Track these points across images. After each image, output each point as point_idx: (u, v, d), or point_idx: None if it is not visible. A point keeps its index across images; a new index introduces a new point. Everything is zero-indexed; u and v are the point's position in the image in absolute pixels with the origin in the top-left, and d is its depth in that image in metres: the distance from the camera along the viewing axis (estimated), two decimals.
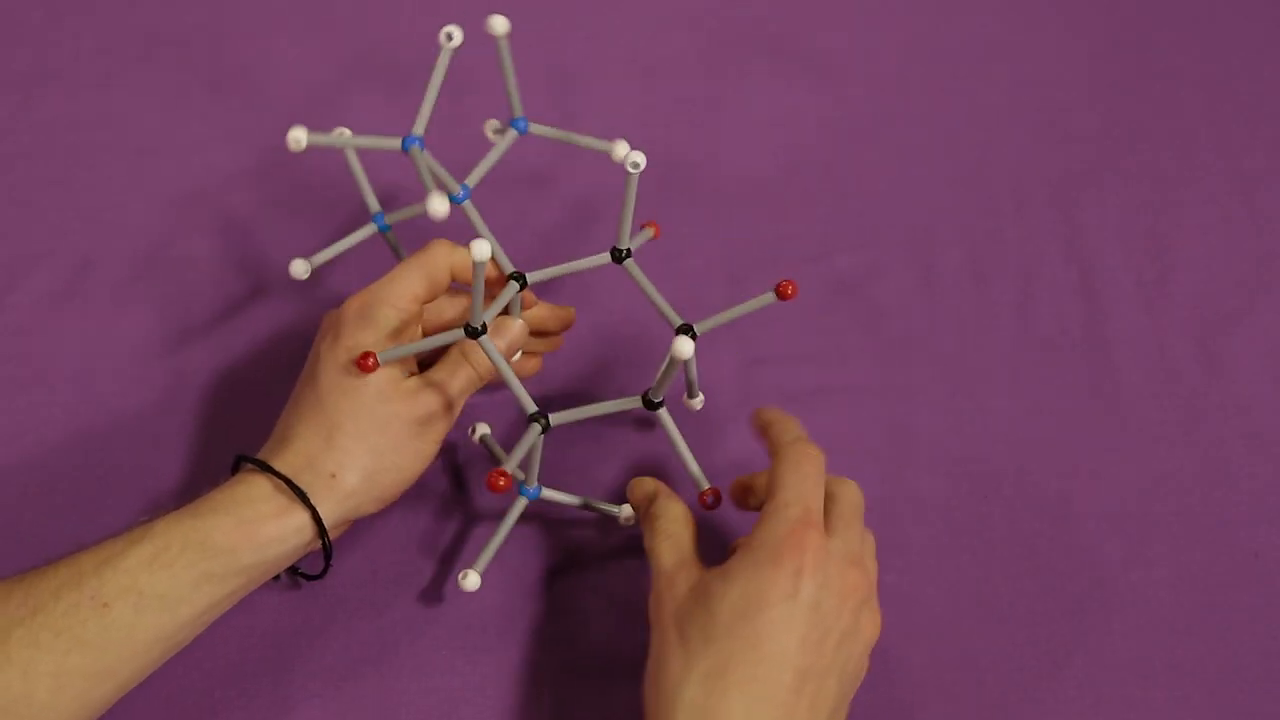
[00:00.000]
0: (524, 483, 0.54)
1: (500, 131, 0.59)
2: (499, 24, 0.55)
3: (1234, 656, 0.55)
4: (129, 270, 0.67)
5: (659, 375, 0.51)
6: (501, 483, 0.47)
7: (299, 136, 0.54)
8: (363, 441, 0.51)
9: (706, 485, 0.53)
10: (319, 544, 0.51)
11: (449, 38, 0.55)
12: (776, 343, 0.65)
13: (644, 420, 0.59)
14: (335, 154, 0.71)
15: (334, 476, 0.50)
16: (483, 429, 0.58)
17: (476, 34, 0.57)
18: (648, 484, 0.54)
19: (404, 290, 0.53)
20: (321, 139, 0.55)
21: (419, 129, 0.55)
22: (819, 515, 0.48)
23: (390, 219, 0.58)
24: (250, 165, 0.71)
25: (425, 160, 0.55)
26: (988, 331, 0.66)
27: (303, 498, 0.49)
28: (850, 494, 0.51)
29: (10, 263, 0.67)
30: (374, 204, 0.59)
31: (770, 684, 0.44)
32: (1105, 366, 0.64)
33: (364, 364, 0.50)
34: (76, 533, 0.57)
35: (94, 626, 0.46)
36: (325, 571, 0.53)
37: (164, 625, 0.47)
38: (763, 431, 0.53)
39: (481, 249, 0.46)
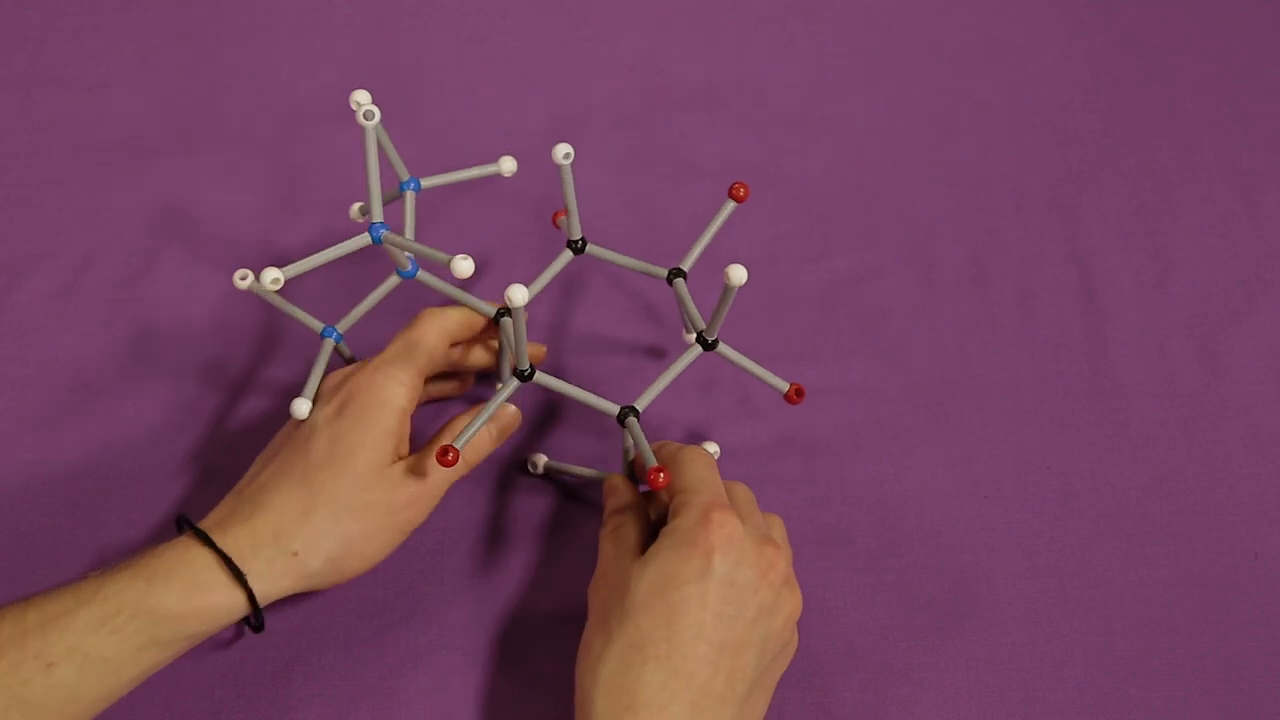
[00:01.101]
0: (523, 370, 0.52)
1: (365, 211, 0.59)
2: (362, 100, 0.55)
3: (1234, 656, 0.55)
4: (129, 270, 0.67)
5: (714, 312, 0.52)
6: (450, 456, 0.49)
7: (276, 276, 0.51)
8: (336, 525, 0.50)
9: (786, 386, 0.55)
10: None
11: (369, 116, 0.54)
12: (776, 343, 0.65)
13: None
14: (337, 156, 0.72)
15: (296, 555, 0.49)
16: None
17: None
18: (622, 494, 0.54)
19: (409, 373, 0.53)
20: (291, 269, 0.52)
21: (377, 216, 0.53)
22: (725, 499, 0.50)
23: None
24: (250, 164, 0.71)
25: (394, 241, 0.53)
26: (988, 331, 0.66)
27: (243, 581, 0.48)
28: (744, 491, 0.53)
29: (10, 263, 0.67)
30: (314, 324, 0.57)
31: (686, 657, 0.46)
32: (1105, 366, 0.64)
33: (444, 459, 0.49)
34: (76, 532, 0.58)
35: (37, 685, 0.45)
36: (260, 628, 0.51)
37: (106, 686, 0.47)
38: (667, 462, 0.53)
39: (518, 294, 0.46)
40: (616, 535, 0.52)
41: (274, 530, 0.49)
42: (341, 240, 0.53)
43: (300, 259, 0.52)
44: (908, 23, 0.79)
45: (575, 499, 0.60)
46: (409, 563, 0.57)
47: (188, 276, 0.67)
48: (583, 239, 0.57)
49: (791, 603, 0.50)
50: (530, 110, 0.74)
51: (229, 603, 0.48)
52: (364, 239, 0.53)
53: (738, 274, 0.49)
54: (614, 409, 0.53)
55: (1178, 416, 0.63)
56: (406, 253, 0.54)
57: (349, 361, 0.59)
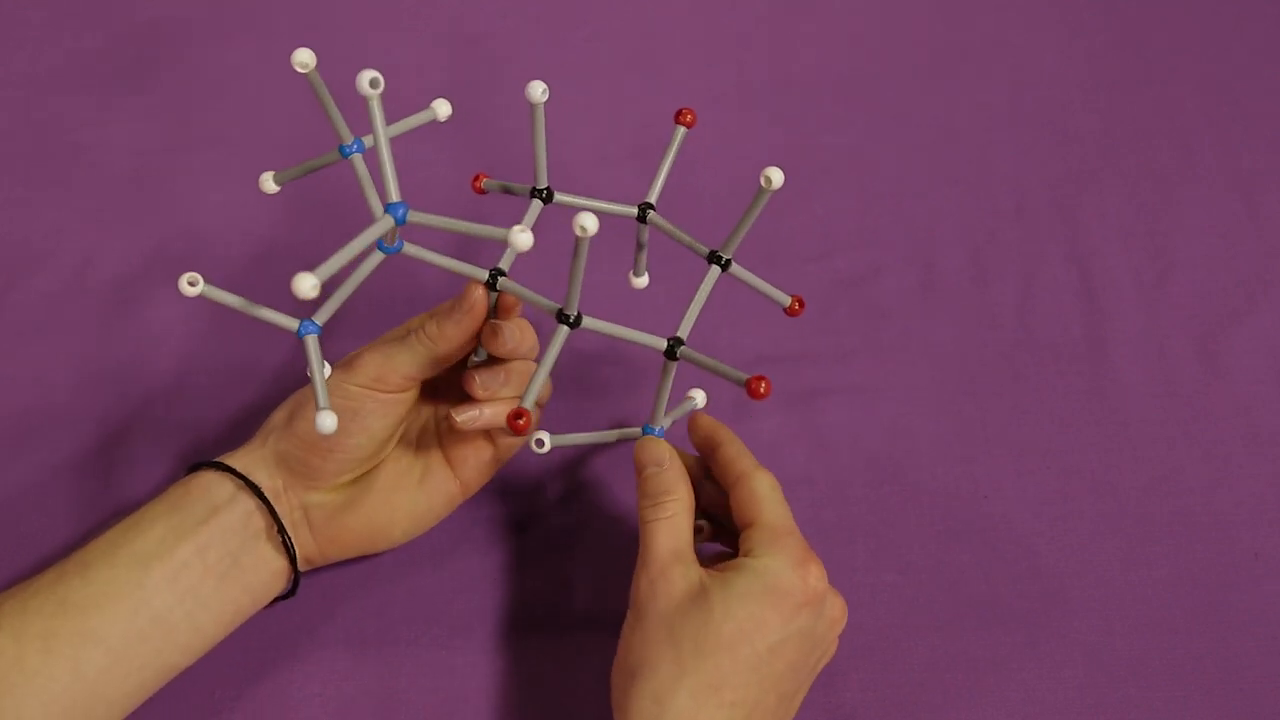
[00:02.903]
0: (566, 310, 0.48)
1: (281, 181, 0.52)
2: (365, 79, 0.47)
3: (1234, 656, 0.55)
4: (129, 270, 0.67)
5: (739, 223, 0.48)
6: (521, 422, 0.44)
7: (269, 181, 0.47)
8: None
9: (788, 300, 0.52)
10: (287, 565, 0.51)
11: (375, 84, 0.46)
12: (776, 343, 0.65)
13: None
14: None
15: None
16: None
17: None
18: (660, 449, 0.50)
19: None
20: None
21: (393, 195, 0.46)
22: (809, 547, 0.48)
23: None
24: (250, 164, 0.71)
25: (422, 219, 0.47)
26: (988, 331, 0.66)
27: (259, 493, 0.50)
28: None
29: (10, 263, 0.67)
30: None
31: (758, 706, 0.46)
32: (1105, 366, 0.64)
33: (516, 424, 0.45)
34: (75, 533, 0.58)
35: (77, 584, 0.47)
36: (294, 591, 0.53)
37: (138, 582, 0.48)
38: (713, 452, 0.52)
39: (590, 221, 0.41)
40: (672, 525, 0.48)
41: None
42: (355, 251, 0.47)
43: (309, 268, 0.48)
44: (908, 23, 0.79)
45: (579, 490, 0.60)
46: (410, 561, 0.57)
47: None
48: (549, 188, 0.52)
49: (836, 644, 0.51)
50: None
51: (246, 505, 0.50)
52: (387, 223, 0.45)
53: (777, 176, 0.44)
54: (661, 342, 0.48)
55: (1178, 416, 0.63)
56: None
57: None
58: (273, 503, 0.51)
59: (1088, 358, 0.65)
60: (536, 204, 0.52)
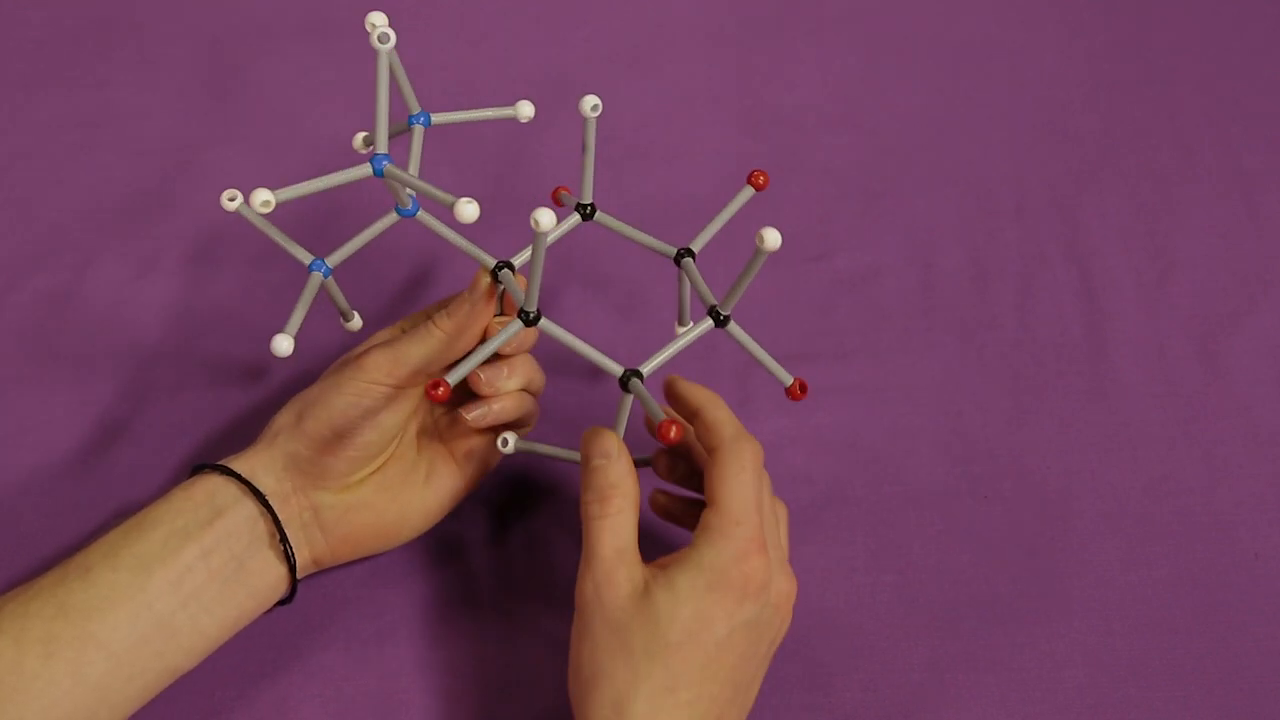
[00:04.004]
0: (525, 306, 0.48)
1: (370, 142, 0.54)
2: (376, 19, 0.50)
3: (1234, 656, 0.55)
4: (129, 270, 0.67)
5: (735, 283, 0.48)
6: (439, 392, 0.44)
7: (267, 199, 0.47)
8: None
9: (790, 379, 0.50)
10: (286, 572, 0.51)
11: (384, 39, 0.49)
12: (776, 343, 0.65)
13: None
14: (336, 154, 0.72)
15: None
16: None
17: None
18: (609, 441, 0.49)
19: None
20: (288, 193, 0.48)
21: (382, 147, 0.49)
22: (762, 531, 0.47)
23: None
24: (250, 163, 0.71)
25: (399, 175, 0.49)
26: (988, 331, 0.66)
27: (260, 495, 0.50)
28: (766, 479, 0.50)
29: (10, 263, 0.67)
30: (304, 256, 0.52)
31: (715, 699, 0.46)
32: (1105, 366, 0.64)
33: (435, 393, 0.44)
34: (75, 534, 0.58)
35: (78, 588, 0.47)
36: (292, 597, 0.52)
37: (141, 586, 0.47)
38: (693, 418, 0.51)
39: (545, 217, 0.42)
40: (617, 524, 0.48)
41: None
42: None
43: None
44: (908, 23, 0.79)
45: (577, 489, 0.60)
46: (410, 562, 0.57)
47: (188, 276, 0.67)
48: (592, 205, 0.54)
49: (790, 616, 0.50)
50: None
51: (247, 510, 0.50)
52: (364, 169, 0.48)
53: (773, 237, 0.44)
54: (618, 369, 0.48)
55: (1178, 416, 0.63)
56: (408, 190, 0.50)
57: (343, 313, 0.56)
58: (281, 505, 0.51)
59: (1088, 358, 0.65)
60: (575, 218, 0.53)
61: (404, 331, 0.54)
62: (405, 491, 0.53)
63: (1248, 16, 0.79)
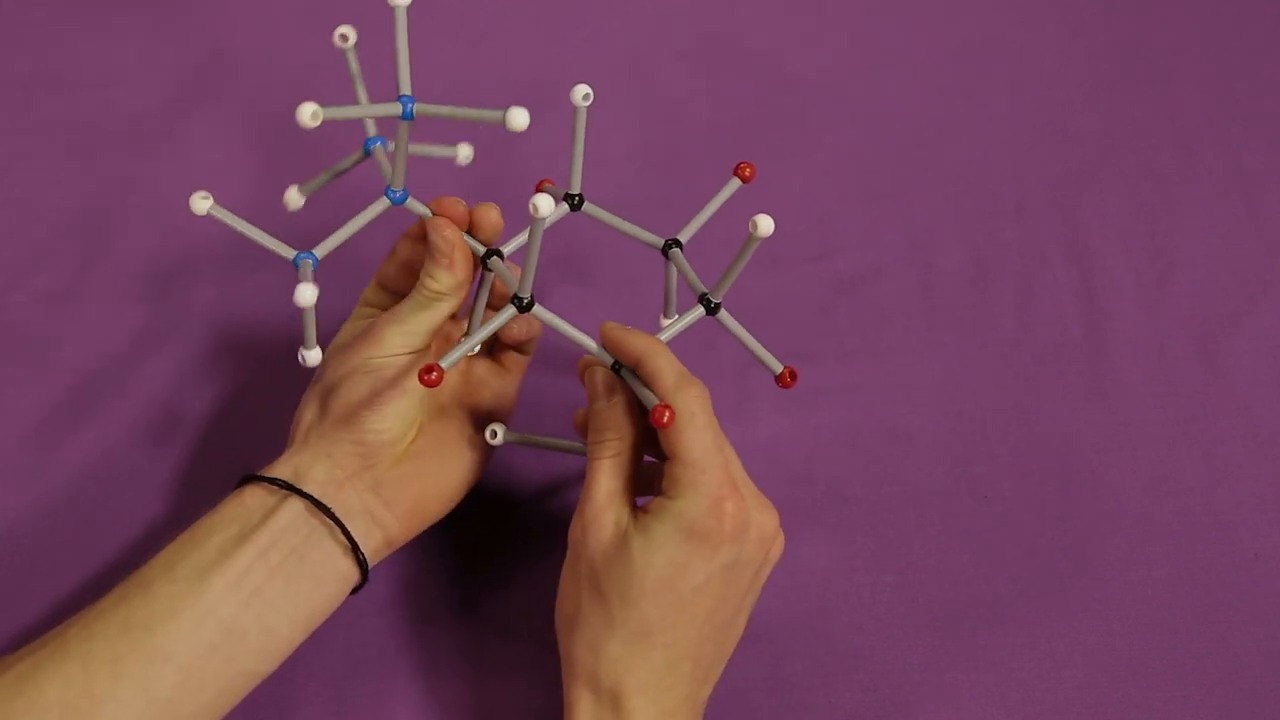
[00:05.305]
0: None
1: (317, 116, 0.49)
2: None
3: (1234, 656, 0.55)
4: (129, 270, 0.67)
5: (727, 270, 0.48)
6: (432, 376, 0.44)
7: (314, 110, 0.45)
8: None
9: (780, 368, 0.50)
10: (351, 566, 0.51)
11: (344, 39, 0.52)
12: (776, 343, 0.65)
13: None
14: (337, 154, 0.72)
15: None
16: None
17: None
18: (619, 404, 0.49)
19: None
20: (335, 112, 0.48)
21: (371, 131, 0.52)
22: (729, 472, 0.47)
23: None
24: (251, 163, 0.71)
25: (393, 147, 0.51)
26: (987, 331, 0.66)
27: (336, 521, 0.49)
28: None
29: (10, 263, 0.67)
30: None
31: (690, 640, 0.47)
32: (1105, 366, 0.64)
33: (428, 378, 0.45)
34: (75, 534, 0.58)
35: (139, 604, 0.46)
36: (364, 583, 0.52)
37: (200, 593, 0.47)
38: (636, 368, 0.49)
39: (544, 203, 0.42)
40: (614, 465, 0.48)
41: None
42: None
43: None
44: (907, 23, 0.79)
45: (577, 489, 0.60)
46: (410, 562, 0.57)
47: (189, 276, 0.67)
48: (580, 195, 0.53)
49: (779, 547, 0.49)
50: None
51: (292, 511, 0.50)
52: (384, 203, 0.50)
53: (766, 224, 0.44)
54: (607, 359, 0.49)
55: (1178, 416, 0.63)
56: (400, 169, 0.50)
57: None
58: (336, 493, 0.50)
59: (1088, 358, 0.65)
60: (563, 208, 0.53)
61: (382, 288, 0.55)
62: (448, 449, 0.53)
63: (1248, 16, 0.79)
